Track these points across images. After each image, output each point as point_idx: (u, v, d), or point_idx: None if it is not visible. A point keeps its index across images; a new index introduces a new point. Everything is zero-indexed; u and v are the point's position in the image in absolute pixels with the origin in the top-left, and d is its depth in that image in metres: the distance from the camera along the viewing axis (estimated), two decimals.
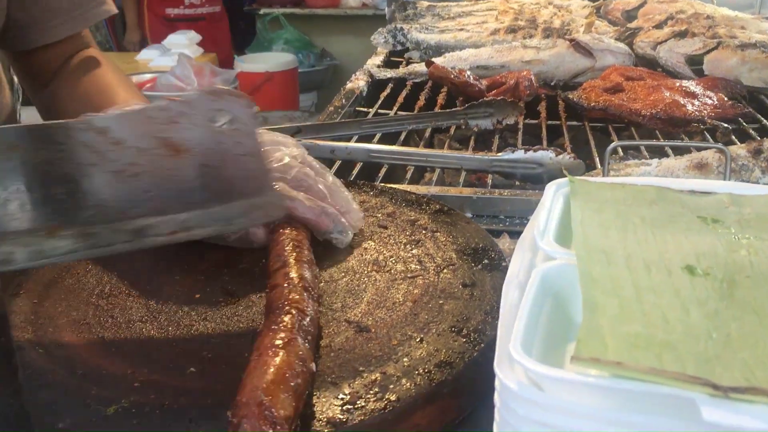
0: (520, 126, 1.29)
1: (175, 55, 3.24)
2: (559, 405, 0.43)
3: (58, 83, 0.98)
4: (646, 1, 2.00)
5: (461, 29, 1.80)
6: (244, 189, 0.63)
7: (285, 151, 0.74)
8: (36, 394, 0.55)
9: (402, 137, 1.25)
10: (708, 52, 1.51)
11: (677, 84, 1.35)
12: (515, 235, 0.64)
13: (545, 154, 0.99)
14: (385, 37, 1.83)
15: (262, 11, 4.82)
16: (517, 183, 1.03)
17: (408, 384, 0.55)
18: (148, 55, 3.66)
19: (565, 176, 0.70)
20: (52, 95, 0.99)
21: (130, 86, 0.98)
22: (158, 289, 0.70)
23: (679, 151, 1.07)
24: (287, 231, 0.69)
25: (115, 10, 1.04)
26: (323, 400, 0.54)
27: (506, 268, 0.58)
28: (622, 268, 0.54)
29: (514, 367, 0.45)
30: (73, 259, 0.64)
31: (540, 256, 0.59)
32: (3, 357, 0.44)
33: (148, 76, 3.49)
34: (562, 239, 0.60)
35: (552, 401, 0.43)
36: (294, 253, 0.66)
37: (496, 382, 0.46)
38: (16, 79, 1.50)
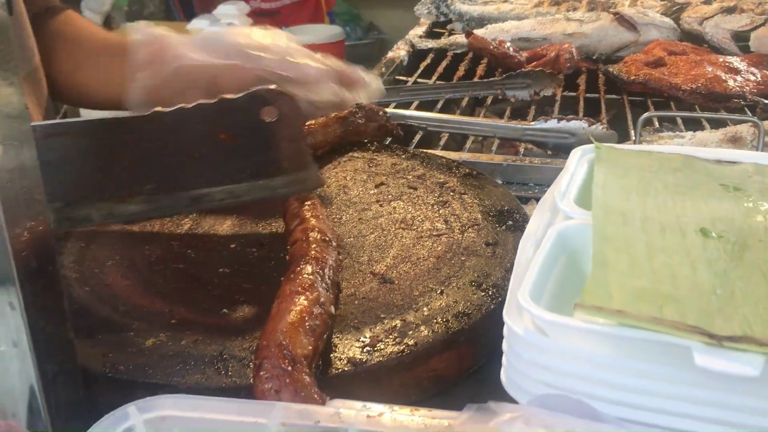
0: (558, 98, 1.29)
1: (224, 25, 3.29)
2: (563, 350, 0.45)
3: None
4: None
5: (505, 1, 1.79)
6: (287, 166, 0.73)
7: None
8: (82, 327, 0.59)
9: (439, 106, 1.26)
10: (755, 28, 1.48)
11: (720, 59, 1.34)
12: None
13: (578, 124, 1.00)
14: (428, 7, 1.84)
15: None
16: (549, 152, 1.04)
17: (426, 331, 0.58)
18: (198, 24, 3.70)
19: (593, 142, 0.72)
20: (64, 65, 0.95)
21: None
22: (196, 238, 0.74)
23: (715, 125, 1.07)
24: (298, 198, 0.74)
25: None
26: (345, 342, 0.57)
27: None
28: (637, 229, 0.55)
29: (522, 315, 0.48)
30: (140, 219, 0.74)
31: (559, 216, 0.61)
32: (50, 287, 0.49)
33: None
34: (583, 203, 0.62)
35: (556, 346, 0.46)
36: (309, 211, 0.70)
37: (504, 329, 0.49)
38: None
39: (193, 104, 0.68)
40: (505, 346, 0.49)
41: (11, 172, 0.44)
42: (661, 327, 0.43)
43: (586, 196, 0.63)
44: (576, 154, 0.71)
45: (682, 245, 0.53)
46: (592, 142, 1.01)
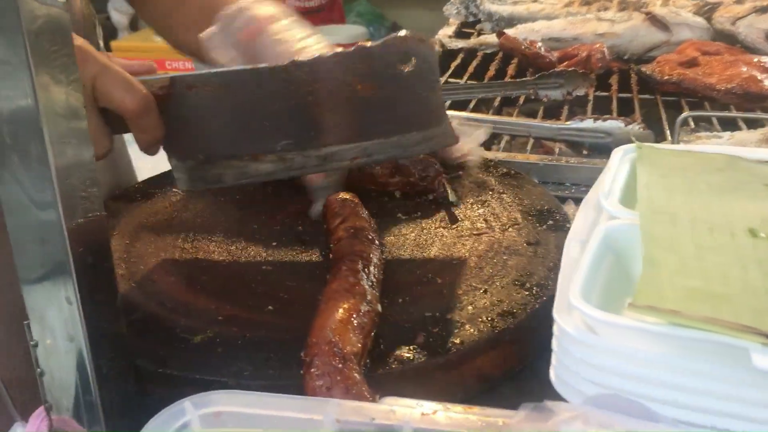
0: (590, 98, 1.29)
1: None
2: (614, 349, 0.45)
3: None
4: None
5: (535, 1, 1.79)
6: (422, 121, 0.69)
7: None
8: (130, 323, 0.60)
9: (471, 105, 1.26)
10: None
11: (755, 59, 1.32)
12: (580, 202, 0.66)
13: (614, 124, 1.00)
14: (457, 7, 1.83)
15: None
16: (585, 152, 1.04)
17: (471, 330, 0.58)
18: None
19: (634, 141, 0.72)
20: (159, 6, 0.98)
21: None
22: (239, 236, 0.75)
23: (753, 125, 1.06)
24: (339, 196, 0.74)
25: None
26: (391, 340, 0.57)
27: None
28: (685, 229, 0.55)
29: (572, 313, 0.48)
30: (271, 178, 0.71)
31: (604, 215, 0.60)
32: (105, 282, 0.49)
33: None
34: (627, 202, 0.61)
35: (607, 345, 0.46)
36: (350, 208, 0.70)
37: (554, 327, 0.49)
38: (101, 43, 1.56)
39: (331, 53, 0.66)
40: (554, 344, 0.49)
41: (67, 169, 0.45)
42: (717, 327, 0.43)
43: (629, 195, 0.63)
44: (617, 153, 0.71)
45: (732, 245, 0.53)
46: (627, 142, 1.01)
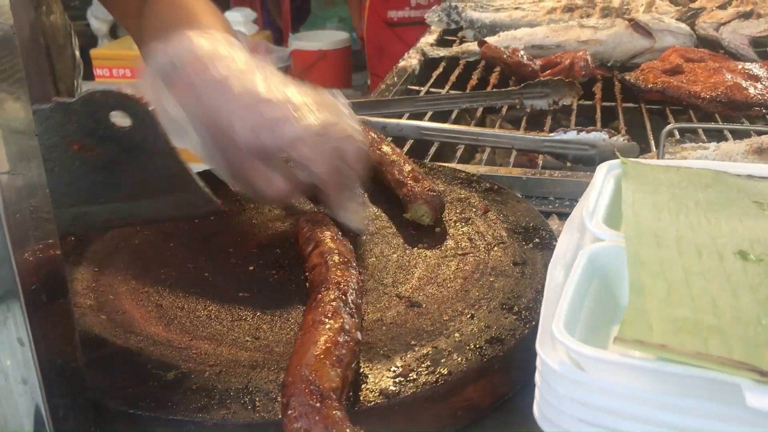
0: (574, 107, 1.27)
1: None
2: (600, 385, 0.43)
3: (148, 10, 0.95)
4: None
5: (517, 8, 1.77)
6: (167, 185, 0.62)
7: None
8: (98, 359, 0.57)
9: (453, 116, 1.24)
10: None
11: (740, 66, 1.31)
12: (564, 216, 0.64)
13: (598, 136, 0.98)
14: (439, 15, 1.81)
15: None
16: (569, 164, 1.02)
17: (459, 359, 0.56)
18: None
19: (618, 158, 0.70)
20: (144, 24, 0.96)
21: (214, 12, 0.91)
22: (213, 260, 0.72)
23: (738, 136, 1.05)
24: (309, 218, 0.71)
25: None
26: (376, 372, 0.55)
27: None
28: (672, 252, 0.53)
29: (556, 347, 0.46)
30: None
31: (588, 237, 0.58)
32: (61, 319, 0.47)
33: None
34: (612, 221, 0.59)
35: (593, 381, 0.44)
36: (323, 232, 0.67)
37: (538, 361, 0.46)
38: (77, 54, 1.54)
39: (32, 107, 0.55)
40: (538, 379, 0.47)
41: (19, 190, 0.42)
42: (707, 362, 0.41)
43: (614, 214, 0.61)
44: (602, 169, 0.69)
45: (721, 269, 0.51)
46: (611, 154, 0.99)
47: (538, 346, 0.46)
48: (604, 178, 0.67)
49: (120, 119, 0.55)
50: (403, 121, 1.13)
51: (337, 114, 0.72)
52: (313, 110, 0.70)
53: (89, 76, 3.83)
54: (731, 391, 0.40)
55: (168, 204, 0.63)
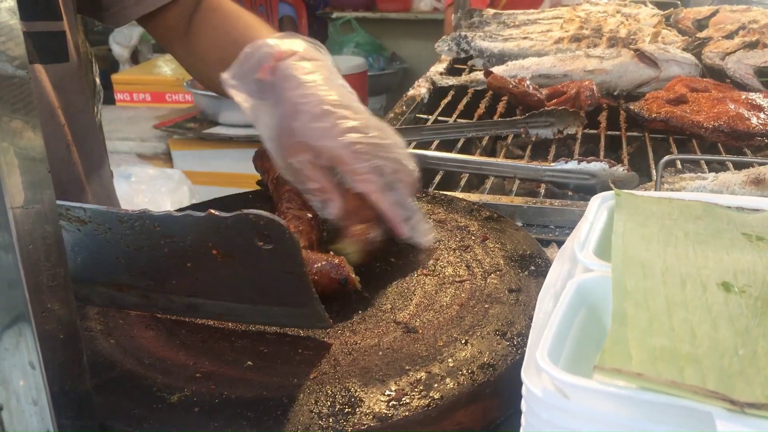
0: (579, 136, 1.29)
1: None
2: (583, 413, 0.45)
3: (195, 30, 1.01)
4: (718, 10, 1.97)
5: (525, 38, 1.80)
6: (288, 300, 0.65)
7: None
8: (106, 381, 0.60)
9: (459, 144, 1.27)
10: None
11: (743, 96, 1.33)
12: (564, 245, 0.66)
13: (599, 166, 1.00)
14: (449, 44, 1.85)
15: (334, 15, 4.91)
16: (570, 193, 1.04)
17: (452, 383, 0.58)
18: None
19: (613, 188, 0.72)
20: (192, 43, 1.02)
21: (264, 23, 0.97)
22: None
23: (739, 165, 1.06)
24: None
25: None
26: (371, 396, 0.57)
27: None
28: (657, 282, 0.55)
29: (540, 375, 0.47)
30: (144, 310, 0.70)
31: (579, 268, 0.60)
32: (70, 344, 0.49)
33: None
34: (603, 252, 0.61)
35: (576, 409, 0.45)
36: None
37: (523, 389, 0.48)
38: (97, 80, 1.57)
39: (182, 213, 0.61)
40: (523, 406, 0.49)
41: (32, 219, 0.45)
42: (681, 391, 0.42)
43: (606, 245, 0.63)
44: (595, 201, 0.71)
45: (703, 300, 0.53)
46: (613, 183, 1.01)
47: (524, 374, 0.48)
48: (597, 209, 0.69)
49: (263, 240, 0.60)
50: (409, 151, 1.16)
51: (392, 137, 0.79)
52: (373, 127, 0.77)
53: (110, 100, 3.91)
54: (705, 420, 0.41)
55: (281, 314, 0.66)
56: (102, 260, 0.65)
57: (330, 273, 0.69)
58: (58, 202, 0.64)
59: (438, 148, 1.24)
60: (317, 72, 0.79)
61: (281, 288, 0.64)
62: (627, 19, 1.92)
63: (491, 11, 2.19)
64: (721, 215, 0.67)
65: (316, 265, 0.69)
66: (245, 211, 0.58)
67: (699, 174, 1.01)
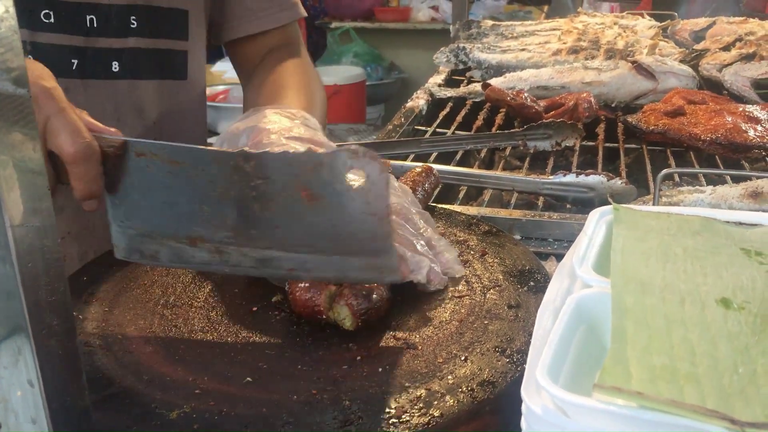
0: (577, 148, 1.29)
1: None
2: (582, 431, 0.45)
3: (255, 75, 1.08)
4: (715, 21, 1.98)
5: (523, 49, 1.81)
6: (365, 247, 0.65)
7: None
8: (105, 397, 0.59)
9: (458, 156, 1.27)
10: None
11: (740, 109, 1.34)
12: (562, 258, 0.66)
13: (597, 179, 1.00)
14: (447, 56, 1.86)
15: (333, 25, 4.92)
16: (568, 206, 1.04)
17: (451, 401, 0.58)
18: (221, 67, 3.79)
19: (617, 202, 0.72)
20: (248, 86, 1.09)
21: (301, 91, 1.01)
22: (219, 301, 0.74)
23: (737, 179, 1.07)
24: None
25: (303, 13, 1.16)
26: (370, 414, 0.57)
27: None
28: (657, 299, 0.55)
29: (540, 393, 0.47)
30: (204, 269, 0.70)
31: (578, 284, 0.60)
32: (69, 362, 0.49)
33: (221, 87, 3.61)
34: (602, 268, 0.61)
35: (576, 427, 0.45)
36: None
37: (523, 407, 0.48)
38: None
39: (280, 152, 0.63)
40: (523, 424, 0.49)
41: (31, 234, 0.44)
42: (681, 411, 0.42)
43: (605, 260, 0.63)
44: (594, 215, 0.71)
45: (702, 317, 0.53)
46: (611, 196, 1.01)
47: (523, 391, 0.48)
48: (596, 224, 0.69)
49: (354, 178, 0.61)
50: (407, 163, 1.16)
51: None
52: None
53: None
54: None
55: (355, 266, 0.66)
56: (183, 208, 0.66)
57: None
58: (152, 141, 0.66)
59: (436, 161, 1.25)
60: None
61: (361, 232, 0.64)
62: (624, 31, 1.93)
63: (489, 22, 2.19)
64: (720, 230, 0.67)
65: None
66: (343, 145, 0.59)
67: (697, 187, 1.02)
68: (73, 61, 0.93)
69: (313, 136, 0.81)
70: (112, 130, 0.69)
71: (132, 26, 0.96)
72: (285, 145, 0.77)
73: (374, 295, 0.68)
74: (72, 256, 0.97)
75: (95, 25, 0.93)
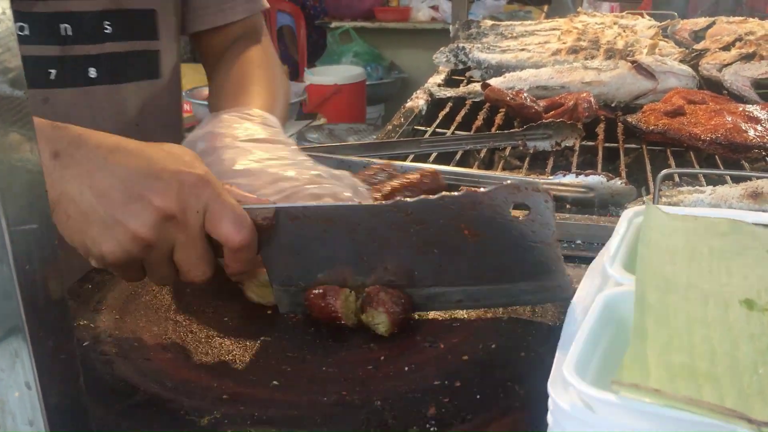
0: (576, 148, 1.29)
1: None
2: (608, 426, 0.44)
3: (219, 67, 1.08)
4: (715, 21, 1.97)
5: (522, 49, 1.80)
6: (535, 271, 0.66)
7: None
8: (131, 406, 0.58)
9: (458, 157, 1.26)
10: None
11: (740, 109, 1.33)
12: (567, 259, 0.65)
13: (597, 179, 0.99)
14: (446, 56, 1.85)
15: (333, 24, 4.92)
16: (568, 206, 1.03)
17: (481, 398, 0.58)
18: None
19: (616, 202, 0.70)
20: (213, 78, 1.10)
21: (263, 85, 1.02)
22: (231, 305, 0.73)
23: (737, 179, 1.06)
24: None
25: (266, 5, 1.17)
26: (402, 414, 0.57)
27: None
28: (680, 298, 0.54)
29: (567, 389, 0.46)
30: None
31: (609, 282, 0.59)
32: (66, 364, 0.48)
33: None
34: (633, 267, 0.60)
35: (603, 423, 0.45)
36: None
37: (549, 402, 0.48)
38: None
39: (438, 196, 0.63)
40: (550, 419, 0.48)
41: (29, 237, 0.43)
42: (699, 409, 0.42)
43: (636, 259, 0.62)
44: (627, 215, 0.70)
45: (724, 318, 0.52)
46: (610, 197, 1.00)
47: (550, 387, 0.47)
48: (628, 223, 0.68)
49: (518, 211, 0.61)
50: (407, 164, 1.15)
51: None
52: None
53: None
54: None
55: (526, 290, 0.67)
56: (341, 261, 0.67)
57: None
58: (303, 205, 0.68)
59: (436, 161, 1.23)
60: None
61: (529, 259, 0.64)
62: (624, 31, 1.92)
63: (489, 22, 2.19)
64: (747, 232, 0.66)
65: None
66: (504, 182, 0.60)
67: (696, 187, 1.01)
68: (50, 71, 0.94)
69: (271, 136, 0.83)
70: (262, 200, 0.69)
71: (106, 31, 0.97)
72: (239, 147, 0.78)
73: (404, 301, 0.68)
74: (72, 265, 0.96)
75: (70, 33, 0.94)
